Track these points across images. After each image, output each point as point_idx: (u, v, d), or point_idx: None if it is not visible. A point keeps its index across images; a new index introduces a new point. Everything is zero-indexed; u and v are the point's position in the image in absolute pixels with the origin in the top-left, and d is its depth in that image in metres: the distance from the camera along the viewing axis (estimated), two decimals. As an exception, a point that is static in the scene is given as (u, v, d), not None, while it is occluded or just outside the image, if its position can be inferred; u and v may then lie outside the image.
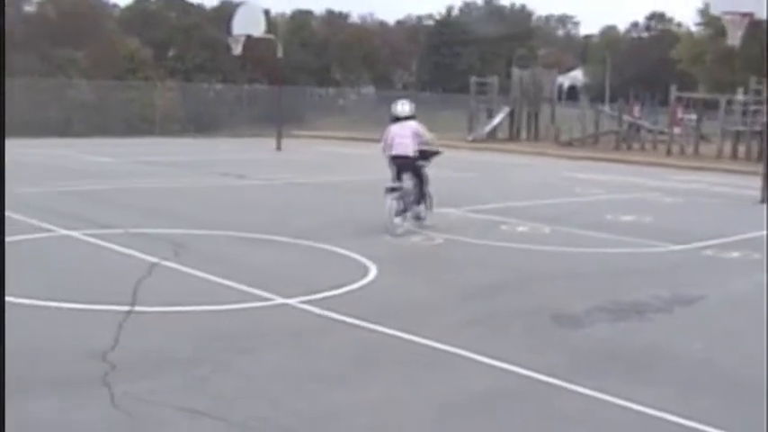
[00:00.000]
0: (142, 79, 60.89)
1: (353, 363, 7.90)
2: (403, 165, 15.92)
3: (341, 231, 15.06)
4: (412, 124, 16.22)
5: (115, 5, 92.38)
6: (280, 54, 39.61)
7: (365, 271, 11.58)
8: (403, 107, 16.62)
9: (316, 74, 75.26)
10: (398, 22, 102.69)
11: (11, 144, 26.68)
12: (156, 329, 8.68)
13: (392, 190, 15.58)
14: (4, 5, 7.91)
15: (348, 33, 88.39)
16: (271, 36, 40.00)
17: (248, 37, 36.22)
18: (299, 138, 44.87)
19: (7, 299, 9.38)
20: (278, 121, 38.71)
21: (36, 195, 19.44)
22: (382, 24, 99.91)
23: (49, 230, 14.27)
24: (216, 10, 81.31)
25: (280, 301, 9.77)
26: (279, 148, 36.84)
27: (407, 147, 15.92)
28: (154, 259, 11.73)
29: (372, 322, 8.95)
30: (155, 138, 47.22)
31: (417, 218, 15.96)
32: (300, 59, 68.91)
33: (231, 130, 51.98)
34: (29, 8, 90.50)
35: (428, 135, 16.52)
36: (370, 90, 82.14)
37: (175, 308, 9.40)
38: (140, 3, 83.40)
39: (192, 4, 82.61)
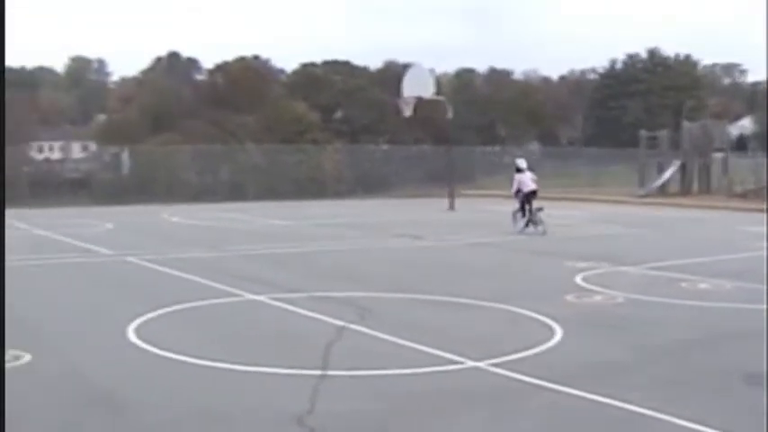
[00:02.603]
0: (310, 142, 61.92)
1: (548, 426, 7.83)
2: (532, 196, 27.05)
3: (521, 292, 15.03)
4: (531, 174, 27.83)
5: (282, 71, 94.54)
6: (450, 115, 39.86)
7: (550, 332, 11.48)
8: (525, 163, 28.66)
9: (481, 132, 75.42)
10: (562, 78, 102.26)
11: (190, 209, 27.67)
12: (350, 393, 8.71)
13: (522, 210, 27.02)
14: (4, 7, 8.14)
15: (512, 90, 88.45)
16: (440, 98, 40.27)
17: (418, 98, 36.59)
18: (468, 197, 44.98)
19: (201, 362, 9.70)
20: (450, 181, 38.89)
21: (220, 259, 20.02)
22: (546, 80, 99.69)
23: (236, 295, 14.63)
24: (380, 72, 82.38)
25: (470, 364, 9.74)
26: (451, 207, 37.02)
27: (535, 186, 27.36)
28: (340, 323, 11.87)
29: (563, 384, 8.85)
30: (324, 200, 47.91)
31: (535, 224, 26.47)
32: (466, 118, 69.13)
33: (399, 190, 52.39)
34: (199, 76, 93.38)
35: None
36: (535, 147, 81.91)
37: (367, 371, 9.45)
38: (306, 67, 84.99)
39: (356, 67, 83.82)
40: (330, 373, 9.30)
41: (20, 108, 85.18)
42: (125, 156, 59.97)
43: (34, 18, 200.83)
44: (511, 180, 28.19)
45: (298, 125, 67.58)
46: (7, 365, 9.74)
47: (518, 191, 27.19)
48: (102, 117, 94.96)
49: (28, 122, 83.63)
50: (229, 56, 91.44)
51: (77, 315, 13.32)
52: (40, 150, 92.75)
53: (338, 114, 76.52)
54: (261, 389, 8.90)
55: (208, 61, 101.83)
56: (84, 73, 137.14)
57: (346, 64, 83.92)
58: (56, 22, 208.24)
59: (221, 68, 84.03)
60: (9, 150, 60.04)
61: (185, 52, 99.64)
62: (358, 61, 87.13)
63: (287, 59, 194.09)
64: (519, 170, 27.71)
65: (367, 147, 62.47)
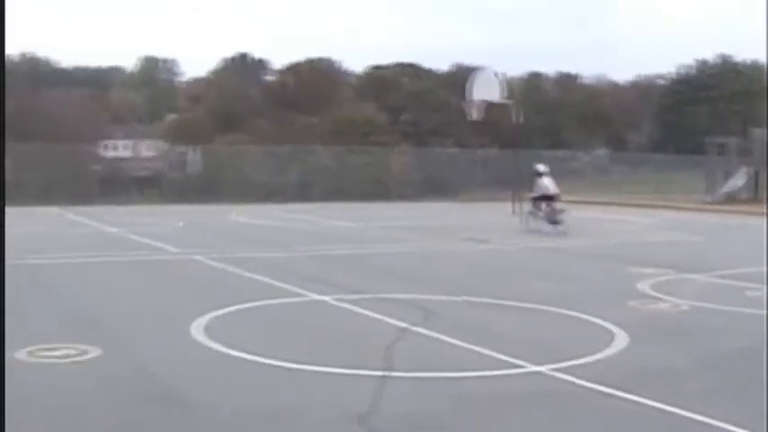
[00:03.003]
0: (377, 144, 61.99)
1: (609, 431, 7.88)
2: (552, 199, 28.73)
3: (584, 297, 15.00)
4: (551, 178, 29.48)
5: (351, 72, 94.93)
6: (519, 119, 39.79)
7: (612, 338, 11.47)
8: (546, 168, 30.01)
9: (548, 136, 75.17)
10: (630, 82, 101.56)
11: (258, 209, 27.89)
12: (412, 394, 8.78)
13: (538, 210, 29.04)
14: (4, 8, 8.25)
15: (580, 94, 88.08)
16: (508, 101, 40.22)
17: (486, 102, 36.60)
18: (533, 201, 44.80)
19: (266, 361, 9.84)
20: (515, 186, 38.86)
21: (286, 260, 20.24)
22: (614, 84, 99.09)
23: (302, 295, 14.80)
24: (448, 75, 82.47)
25: (531, 368, 9.78)
26: (515, 212, 36.99)
27: (556, 190, 29.09)
28: (403, 324, 11.95)
29: (624, 390, 8.84)
30: (390, 202, 48.04)
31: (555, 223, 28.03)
32: (533, 122, 69.07)
33: (465, 193, 52.37)
34: (269, 77, 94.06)
35: None
36: (602, 152, 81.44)
37: (428, 373, 9.51)
38: (375, 69, 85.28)
39: (425, 70, 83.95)
40: (392, 374, 9.38)
41: (91, 107, 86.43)
42: (195, 155, 60.54)
43: (106, 18, 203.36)
44: (531, 185, 30.43)
45: (365, 127, 67.79)
46: (73, 360, 9.98)
47: (540, 195, 29.09)
48: (171, 116, 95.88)
49: (99, 121, 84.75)
50: (299, 57, 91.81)
51: (144, 312, 13.54)
52: (111, 148, 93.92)
53: (406, 117, 76.64)
54: (324, 388, 9.00)
55: (277, 62, 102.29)
56: (154, 72, 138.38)
57: (415, 66, 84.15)
58: (127, 23, 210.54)
59: (290, 69, 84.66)
60: (80, 148, 61.08)
61: (255, 53, 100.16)
62: (427, 64, 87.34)
63: (356, 61, 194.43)
64: (539, 174, 29.62)
65: (434, 150, 62.49)
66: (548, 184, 29.27)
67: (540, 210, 29.01)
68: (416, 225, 31.05)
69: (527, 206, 30.04)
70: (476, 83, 37.40)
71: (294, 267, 18.67)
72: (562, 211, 28.57)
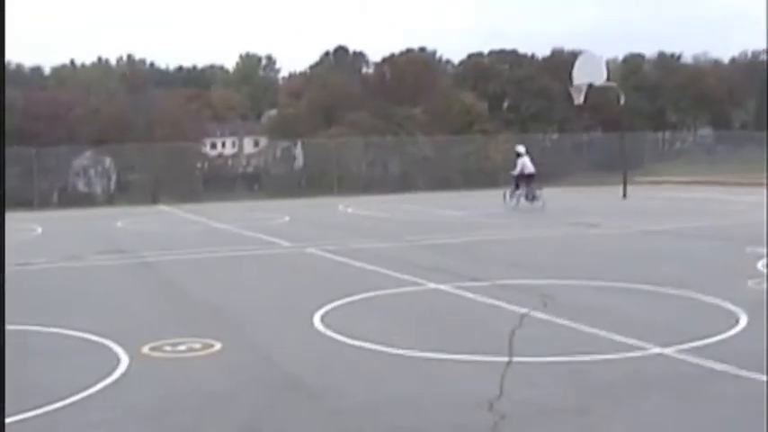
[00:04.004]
0: (478, 132, 61.90)
1: (738, 413, 7.77)
2: (532, 178, 32.50)
3: (702, 278, 14.83)
4: (529, 158, 33.16)
5: (448, 61, 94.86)
6: (622, 101, 39.41)
7: (734, 318, 11.31)
8: (524, 148, 34.12)
9: (651, 118, 74.31)
10: (733, 60, 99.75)
11: (363, 201, 28.07)
12: (537, 379, 8.75)
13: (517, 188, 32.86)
14: (4, 7, 8.28)
15: (682, 74, 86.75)
16: (612, 84, 39.83)
17: (589, 86, 36.34)
18: (640, 184, 44.43)
19: (387, 349, 9.92)
20: (623, 168, 38.52)
21: (398, 249, 20.36)
22: (716, 63, 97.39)
23: (418, 284, 14.87)
24: (547, 60, 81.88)
25: (654, 350, 9.68)
26: (624, 195, 36.67)
27: (533, 168, 32.74)
28: (523, 310, 11.95)
29: (751, 370, 8.74)
30: (494, 189, 47.84)
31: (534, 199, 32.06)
32: (635, 104, 68.29)
33: (570, 178, 51.98)
34: (366, 70, 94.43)
35: None
36: (706, 132, 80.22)
37: (552, 358, 9.48)
38: (473, 57, 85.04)
39: (523, 56, 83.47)
40: (516, 359, 9.38)
41: (192, 106, 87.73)
42: (298, 149, 61.07)
43: (206, 19, 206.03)
44: (514, 164, 33.76)
45: (466, 116, 67.81)
46: (199, 353, 10.16)
47: (521, 173, 32.92)
48: (272, 112, 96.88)
49: (200, 120, 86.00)
50: (396, 48, 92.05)
51: (263, 304, 13.75)
52: (214, 146, 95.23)
53: (506, 104, 76.36)
54: (448, 375, 9.04)
55: (375, 54, 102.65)
56: (253, 70, 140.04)
57: (513, 53, 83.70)
58: (226, 22, 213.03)
59: (388, 61, 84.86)
60: (184, 147, 62.03)
61: (352, 46, 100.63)
62: (524, 49, 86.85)
63: (453, 50, 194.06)
64: (519, 155, 33.66)
65: (536, 136, 62.14)
66: (528, 163, 33.07)
67: (518, 188, 33.07)
68: (524, 212, 30.92)
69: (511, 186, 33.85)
70: (579, 66, 37.13)
71: (407, 257, 18.77)
72: (540, 188, 32.90)
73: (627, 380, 8.70)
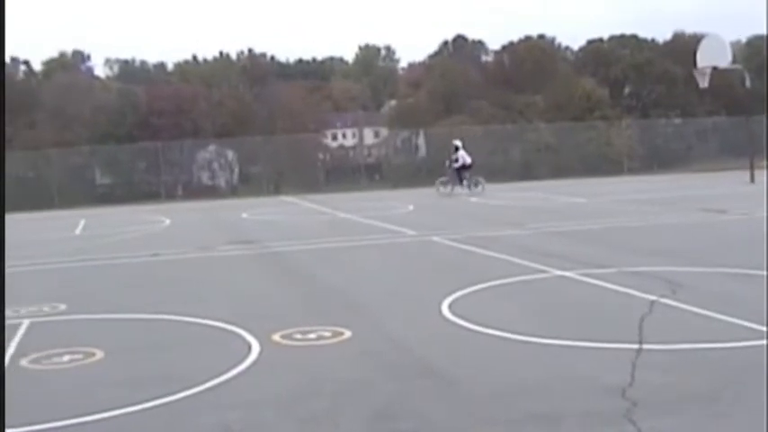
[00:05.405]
0: (599, 119, 61.27)
1: None
2: (470, 168, 37.53)
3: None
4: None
5: (567, 48, 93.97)
6: (748, 83, 38.63)
7: None
8: (461, 142, 38.48)
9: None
10: None
11: (485, 189, 27.88)
12: (668, 366, 8.68)
13: (461, 180, 37.55)
14: (4, 7, 8.28)
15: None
16: (737, 66, 39.09)
17: (714, 68, 35.71)
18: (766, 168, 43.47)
19: (516, 337, 9.95)
20: (750, 153, 37.79)
21: (522, 237, 20.37)
22: None
23: (544, 271, 14.86)
24: (668, 43, 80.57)
25: (789, 337, 9.57)
26: (752, 180, 35.95)
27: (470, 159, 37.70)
28: (652, 297, 11.85)
29: None
30: (616, 176, 47.41)
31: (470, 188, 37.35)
32: (759, 87, 66.88)
33: (694, 164, 51.17)
34: (486, 58, 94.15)
35: None
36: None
37: (682, 345, 9.41)
38: (593, 43, 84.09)
39: (644, 40, 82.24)
40: (646, 346, 9.33)
41: (313, 98, 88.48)
42: (420, 139, 61.20)
43: (325, 11, 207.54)
44: (455, 158, 38.17)
45: (586, 102, 67.13)
46: (330, 341, 10.33)
47: (463, 165, 37.83)
48: (392, 102, 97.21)
49: (321, 111, 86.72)
50: (515, 36, 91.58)
51: (391, 292, 13.88)
52: (334, 138, 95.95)
53: (627, 89, 75.39)
54: (578, 362, 9.03)
55: (494, 42, 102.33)
56: (373, 60, 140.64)
57: (633, 37, 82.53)
58: (345, 14, 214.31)
59: (507, 49, 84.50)
60: (306, 138, 62.70)
61: (471, 35, 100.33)
62: (645, 34, 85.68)
63: (572, 36, 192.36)
64: (457, 148, 38.34)
65: (658, 121, 61.31)
66: (466, 156, 37.97)
67: (461, 177, 37.83)
68: (648, 198, 30.60)
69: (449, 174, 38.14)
70: (703, 49, 36.47)
71: (532, 244, 18.75)
72: (478, 177, 38.38)
73: (758, 367, 8.57)
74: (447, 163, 38.90)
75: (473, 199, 35.08)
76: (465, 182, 37.91)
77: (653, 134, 58.59)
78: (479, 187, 37.65)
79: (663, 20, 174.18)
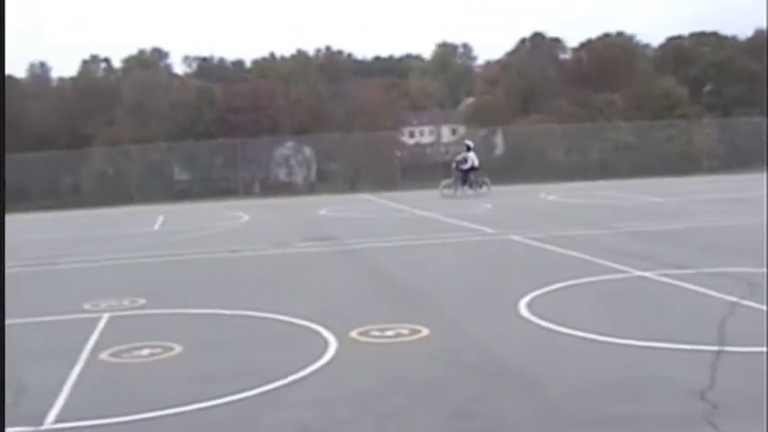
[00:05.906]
0: (679, 117, 60.59)
1: None
2: (477, 169, 37.18)
3: None
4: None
5: (647, 45, 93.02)
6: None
7: None
8: (473, 143, 39.17)
9: None
10: None
11: (564, 188, 27.79)
12: (749, 369, 8.58)
13: (464, 181, 37.15)
14: (4, 9, 8.26)
15: None
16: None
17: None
18: None
19: (595, 337, 9.91)
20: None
21: (602, 236, 20.22)
22: None
23: (623, 271, 14.78)
24: (750, 40, 79.49)
25: None
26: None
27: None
28: (732, 299, 11.73)
29: None
30: (696, 176, 46.88)
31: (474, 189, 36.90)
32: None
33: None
34: (563, 55, 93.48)
35: None
36: None
37: (762, 348, 9.19)
38: (673, 41, 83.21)
39: (725, 37, 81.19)
40: (726, 348, 9.24)
41: (390, 95, 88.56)
42: (498, 137, 61.02)
43: (403, 9, 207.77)
44: (464, 158, 37.76)
45: (666, 100, 66.47)
46: (407, 339, 10.39)
47: (471, 166, 37.47)
48: (469, 100, 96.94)
49: (398, 109, 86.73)
50: (593, 33, 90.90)
51: (468, 291, 13.89)
52: (411, 135, 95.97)
53: (708, 87, 74.47)
54: (657, 363, 8.99)
55: (572, 40, 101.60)
56: (450, 58, 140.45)
57: (714, 35, 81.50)
58: (423, 12, 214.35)
59: (585, 46, 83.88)
60: (383, 135, 62.78)
61: (549, 32, 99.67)
62: (726, 31, 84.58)
63: (651, 33, 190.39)
64: (469, 149, 38.29)
65: (739, 119, 60.40)
66: (475, 158, 37.78)
67: (466, 180, 37.52)
68: (729, 198, 30.16)
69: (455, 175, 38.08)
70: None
71: (611, 244, 18.60)
72: (484, 178, 38.23)
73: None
74: (454, 164, 38.63)
75: (551, 197, 34.89)
76: (470, 183, 37.63)
77: (733, 132, 57.71)
78: (484, 188, 37.56)
79: (744, 17, 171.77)
